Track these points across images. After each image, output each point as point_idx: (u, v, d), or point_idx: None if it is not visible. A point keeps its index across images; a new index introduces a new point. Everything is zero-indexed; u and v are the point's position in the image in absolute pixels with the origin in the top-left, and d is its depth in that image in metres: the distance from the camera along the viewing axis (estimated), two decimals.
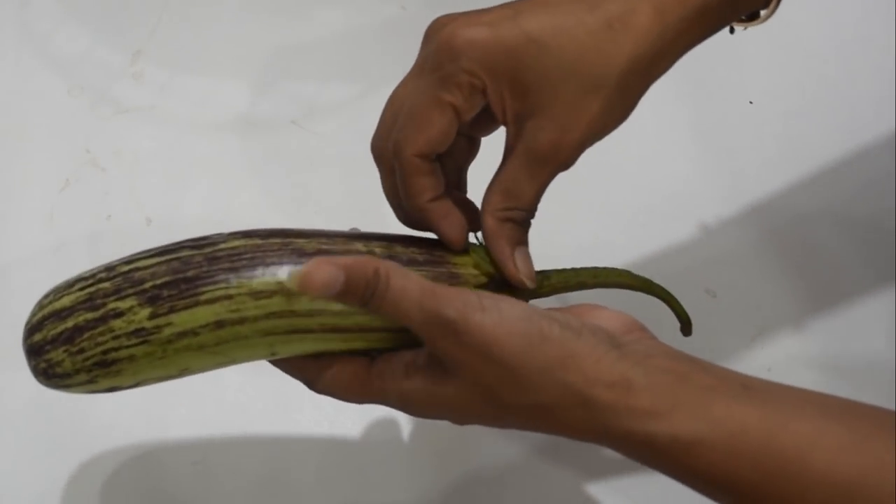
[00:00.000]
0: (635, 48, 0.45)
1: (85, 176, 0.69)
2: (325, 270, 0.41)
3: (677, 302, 0.49)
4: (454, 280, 0.46)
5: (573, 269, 0.49)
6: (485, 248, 0.47)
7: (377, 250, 0.45)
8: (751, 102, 0.64)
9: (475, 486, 0.58)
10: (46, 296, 0.45)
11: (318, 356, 0.45)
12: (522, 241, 0.47)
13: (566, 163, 0.46)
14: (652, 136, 0.70)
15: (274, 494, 0.57)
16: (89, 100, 0.72)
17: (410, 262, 0.45)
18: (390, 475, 0.58)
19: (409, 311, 0.41)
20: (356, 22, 0.77)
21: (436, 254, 0.46)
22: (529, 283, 0.47)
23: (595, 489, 0.58)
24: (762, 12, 0.50)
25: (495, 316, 0.41)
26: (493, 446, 0.59)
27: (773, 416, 0.39)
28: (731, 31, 0.52)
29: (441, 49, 0.46)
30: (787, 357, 0.62)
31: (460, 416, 0.44)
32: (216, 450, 0.57)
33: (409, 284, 0.41)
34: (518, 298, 0.44)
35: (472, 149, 0.49)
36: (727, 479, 0.39)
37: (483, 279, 0.46)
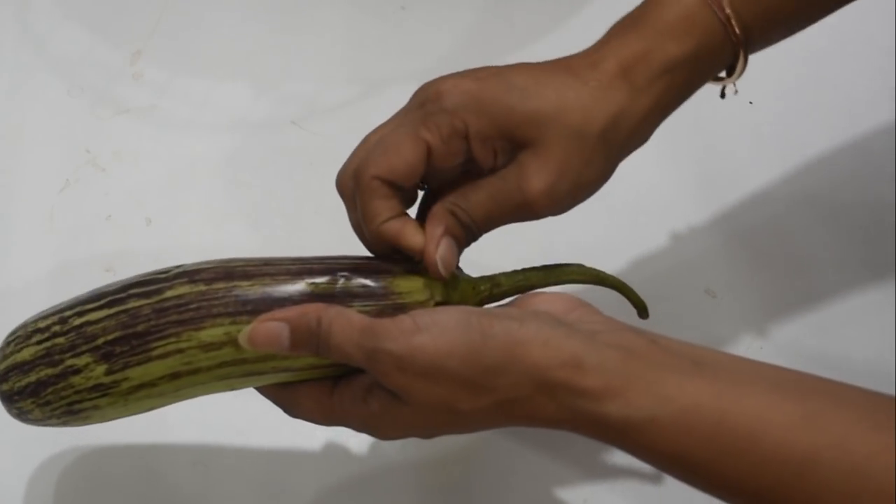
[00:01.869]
0: (611, 105, 0.46)
1: (85, 176, 0.69)
2: (270, 329, 0.43)
3: (631, 290, 0.49)
4: (399, 312, 0.44)
5: (523, 272, 0.48)
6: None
7: (322, 284, 0.45)
8: (751, 102, 0.64)
9: (476, 486, 0.58)
10: (8, 343, 0.46)
11: (283, 385, 0.46)
12: (457, 237, 0.47)
13: (536, 210, 0.46)
14: (652, 136, 0.70)
15: (274, 494, 0.57)
16: (89, 100, 0.72)
17: (355, 297, 0.45)
18: (391, 475, 0.58)
19: (352, 354, 0.42)
20: (356, 22, 0.77)
21: (382, 282, 0.46)
22: (443, 271, 0.46)
23: (594, 489, 0.58)
24: (737, 66, 0.51)
25: (434, 332, 0.41)
26: (494, 448, 0.59)
27: (725, 393, 0.39)
28: (722, 95, 0.53)
29: (428, 95, 0.47)
30: (787, 357, 0.62)
31: (424, 432, 0.45)
32: (216, 450, 0.57)
33: (349, 329, 0.42)
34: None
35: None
36: (681, 457, 0.40)
37: (431, 305, 0.46)
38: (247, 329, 0.43)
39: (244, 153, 0.70)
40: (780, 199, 0.68)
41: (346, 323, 0.42)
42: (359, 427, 0.45)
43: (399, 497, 0.57)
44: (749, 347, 0.62)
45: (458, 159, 0.46)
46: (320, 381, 0.45)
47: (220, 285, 0.44)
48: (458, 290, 0.47)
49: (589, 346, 0.41)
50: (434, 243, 0.46)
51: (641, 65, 0.47)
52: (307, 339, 0.43)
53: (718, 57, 0.49)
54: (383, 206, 0.46)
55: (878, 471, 0.36)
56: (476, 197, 0.46)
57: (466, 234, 0.47)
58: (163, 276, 0.45)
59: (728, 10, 0.48)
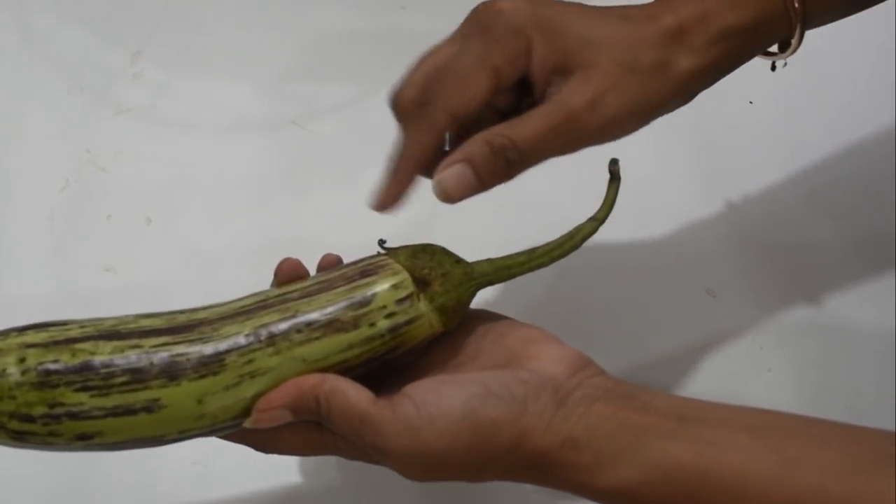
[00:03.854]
0: (662, 54, 0.47)
1: (85, 176, 0.69)
2: (274, 416, 0.43)
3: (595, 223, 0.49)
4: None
5: (506, 266, 0.48)
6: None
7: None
8: (751, 102, 0.64)
9: (475, 485, 0.58)
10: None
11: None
12: (475, 165, 0.46)
13: (581, 121, 0.46)
14: (652, 136, 0.70)
15: (274, 494, 0.57)
16: (89, 100, 0.72)
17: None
18: (391, 474, 0.58)
19: (354, 440, 0.43)
20: (356, 22, 0.77)
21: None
22: (439, 194, 0.46)
23: None
24: (792, 41, 0.52)
25: (440, 426, 0.41)
26: None
27: (706, 451, 0.40)
28: (773, 68, 0.54)
29: (487, 13, 0.47)
30: (787, 357, 0.62)
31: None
32: (216, 450, 0.57)
33: (349, 413, 0.42)
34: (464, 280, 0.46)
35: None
36: None
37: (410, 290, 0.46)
38: (252, 417, 0.43)
39: (244, 153, 0.70)
40: (780, 198, 0.68)
41: (345, 405, 0.42)
42: (349, 458, 0.46)
43: (399, 496, 0.57)
44: (749, 347, 0.62)
45: (517, 77, 0.47)
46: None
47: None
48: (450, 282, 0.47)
49: (583, 424, 0.42)
50: (445, 165, 0.46)
51: (699, 26, 0.48)
52: (310, 415, 0.43)
53: (775, 30, 0.50)
54: (429, 146, 0.47)
55: None
56: (521, 121, 0.46)
57: (504, 163, 0.46)
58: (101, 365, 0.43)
59: None
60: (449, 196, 0.46)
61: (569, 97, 0.46)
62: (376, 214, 0.53)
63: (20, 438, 0.42)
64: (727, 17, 0.48)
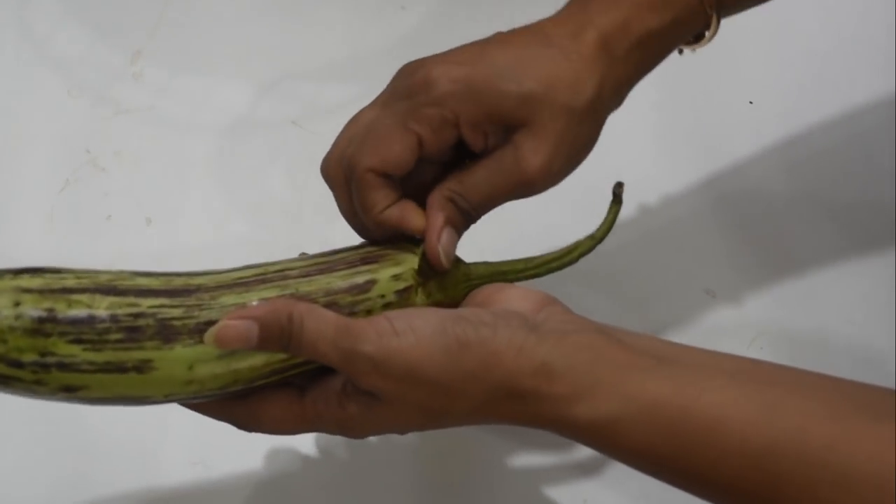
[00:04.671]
0: (594, 77, 0.48)
1: (85, 176, 0.69)
2: (239, 326, 0.42)
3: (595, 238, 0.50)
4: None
5: (502, 272, 0.49)
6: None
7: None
8: (751, 102, 0.64)
9: (475, 485, 0.58)
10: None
11: (243, 396, 0.45)
12: (456, 225, 0.48)
13: (534, 185, 0.48)
14: (652, 136, 0.70)
15: (274, 494, 0.57)
16: (89, 100, 0.72)
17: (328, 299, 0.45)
18: (391, 473, 0.58)
19: (327, 353, 0.42)
20: (356, 22, 0.77)
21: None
22: (445, 261, 0.47)
23: (594, 489, 0.58)
24: (706, 33, 0.52)
25: (411, 338, 0.42)
26: (494, 446, 0.59)
27: (685, 389, 0.40)
28: (680, 52, 0.54)
29: (415, 82, 0.47)
30: (787, 357, 0.62)
31: (401, 430, 0.45)
32: (216, 450, 0.57)
33: (323, 326, 0.42)
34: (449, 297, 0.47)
35: (442, 175, 0.49)
36: (646, 453, 0.41)
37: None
38: (215, 327, 0.42)
39: (244, 153, 0.70)
40: (780, 198, 0.68)
41: (319, 319, 0.42)
42: (333, 430, 0.45)
43: (399, 496, 0.57)
44: (749, 347, 0.62)
45: (449, 145, 0.47)
46: (284, 388, 0.45)
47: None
48: (452, 280, 0.48)
49: (558, 353, 0.42)
50: (436, 235, 0.47)
51: (620, 35, 0.48)
52: (278, 336, 0.42)
53: (692, 26, 0.51)
54: (380, 196, 0.47)
55: (835, 461, 0.37)
56: (473, 181, 0.47)
57: (465, 218, 0.48)
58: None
59: None
60: (452, 256, 0.48)
61: (521, 161, 0.47)
62: None
63: (4, 382, 0.41)
64: (647, 21, 0.49)
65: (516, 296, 0.46)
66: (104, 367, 0.42)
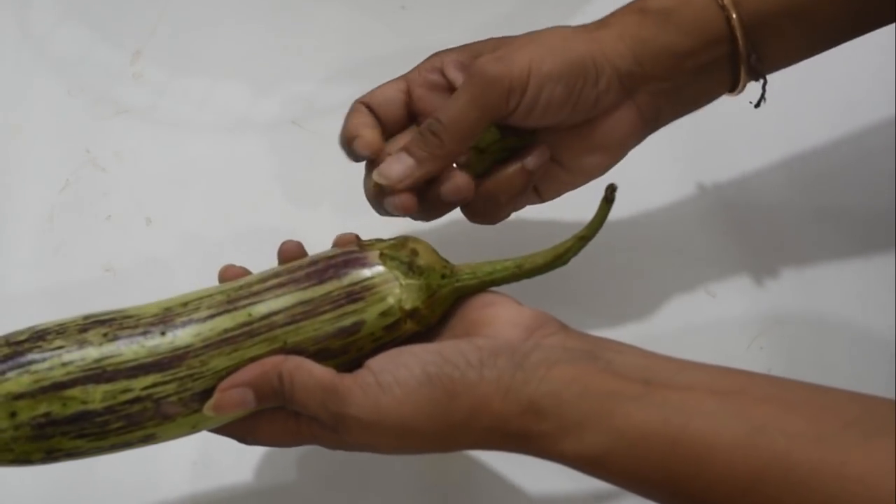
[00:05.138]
0: (594, 44, 0.51)
1: (85, 176, 0.69)
2: (235, 395, 0.44)
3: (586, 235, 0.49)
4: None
5: (492, 281, 0.48)
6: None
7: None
8: (751, 102, 0.64)
9: (476, 486, 0.58)
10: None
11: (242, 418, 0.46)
12: (410, 150, 0.50)
13: (491, 77, 0.49)
14: (652, 136, 0.70)
15: (274, 494, 0.57)
16: (89, 100, 0.72)
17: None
18: (391, 474, 0.58)
19: (318, 414, 0.43)
20: (356, 22, 0.77)
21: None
22: (376, 177, 0.49)
23: (594, 488, 0.58)
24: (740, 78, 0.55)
25: (397, 393, 0.42)
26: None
27: (673, 419, 0.40)
28: (757, 104, 0.57)
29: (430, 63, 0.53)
30: (787, 358, 0.62)
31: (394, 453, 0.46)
32: (216, 450, 0.57)
33: (311, 386, 0.43)
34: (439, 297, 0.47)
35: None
36: (636, 481, 0.41)
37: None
38: (212, 400, 0.44)
39: (244, 153, 0.70)
40: (780, 198, 0.68)
41: (307, 379, 0.43)
42: (329, 445, 0.46)
43: (399, 496, 0.57)
44: (749, 347, 0.62)
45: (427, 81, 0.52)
46: (279, 409, 0.45)
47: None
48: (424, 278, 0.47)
49: (545, 389, 0.42)
50: (384, 154, 0.51)
51: (642, 44, 0.51)
52: (272, 396, 0.44)
53: (719, 59, 0.52)
54: (358, 121, 0.51)
55: (821, 484, 0.37)
56: (444, 101, 0.50)
57: (434, 140, 0.49)
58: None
59: (733, 13, 0.50)
60: (389, 178, 0.49)
61: (477, 64, 0.49)
62: (375, 214, 0.54)
63: (18, 464, 0.43)
64: (671, 39, 0.52)
65: (505, 318, 0.45)
66: (111, 449, 0.44)
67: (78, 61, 0.74)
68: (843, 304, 0.64)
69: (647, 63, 0.51)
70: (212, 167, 0.69)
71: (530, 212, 0.56)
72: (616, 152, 0.54)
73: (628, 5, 0.53)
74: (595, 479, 0.42)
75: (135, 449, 0.45)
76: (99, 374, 0.43)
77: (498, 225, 0.54)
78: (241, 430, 0.46)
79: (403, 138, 0.51)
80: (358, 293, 0.46)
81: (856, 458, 0.37)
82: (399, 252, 0.47)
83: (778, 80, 0.57)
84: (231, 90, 0.73)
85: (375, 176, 0.49)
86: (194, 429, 0.45)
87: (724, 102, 0.56)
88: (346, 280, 0.46)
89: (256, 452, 0.58)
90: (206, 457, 0.58)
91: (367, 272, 0.46)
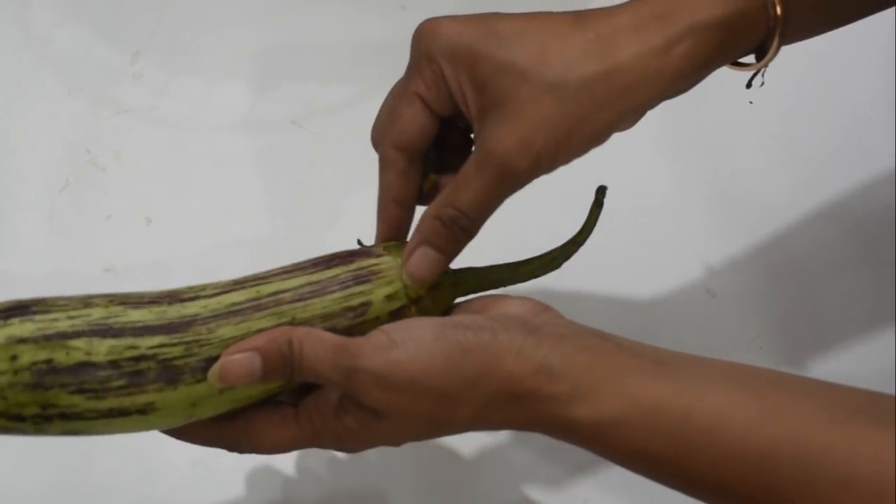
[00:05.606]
0: (606, 59, 0.43)
1: (85, 176, 0.69)
2: (241, 360, 0.42)
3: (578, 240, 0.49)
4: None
5: (491, 282, 0.49)
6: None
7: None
8: (751, 102, 0.64)
9: (476, 486, 0.58)
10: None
11: (232, 417, 0.44)
12: (434, 244, 0.46)
13: (515, 168, 0.44)
14: (651, 136, 0.70)
15: (274, 494, 0.57)
16: (89, 100, 0.72)
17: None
18: (391, 475, 0.58)
19: (328, 376, 0.42)
20: (356, 22, 0.77)
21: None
22: (410, 282, 0.46)
23: (594, 489, 0.58)
24: (770, 48, 0.47)
25: (412, 348, 0.41)
26: (494, 448, 0.59)
27: (686, 392, 0.40)
28: (748, 85, 0.49)
29: (414, 41, 0.46)
30: (787, 358, 0.62)
31: (400, 442, 0.44)
32: (216, 450, 0.57)
33: (322, 348, 0.42)
34: (438, 304, 0.46)
35: None
36: (646, 454, 0.40)
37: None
38: (216, 366, 0.42)
39: (244, 153, 0.70)
40: (780, 198, 0.68)
41: (317, 342, 0.42)
42: (330, 445, 0.44)
43: (399, 496, 0.57)
44: (749, 347, 0.62)
45: (446, 101, 0.46)
46: (277, 405, 0.44)
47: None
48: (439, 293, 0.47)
49: (557, 353, 0.41)
50: (407, 253, 0.46)
51: (662, 23, 0.43)
52: (280, 365, 0.42)
53: (750, 32, 0.46)
54: (395, 181, 0.47)
55: (834, 463, 0.37)
56: (457, 184, 0.45)
57: (457, 231, 0.45)
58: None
59: None
60: (423, 280, 0.46)
61: (494, 145, 0.43)
62: (375, 213, 0.53)
63: (5, 430, 0.41)
64: (697, 12, 0.44)
65: (512, 303, 0.46)
66: (107, 414, 0.42)
67: (78, 61, 0.74)
68: (843, 304, 0.64)
69: (681, 86, 0.46)
70: (212, 167, 0.69)
71: (524, 217, 0.56)
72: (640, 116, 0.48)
73: None
74: (601, 456, 0.42)
75: (128, 430, 0.43)
76: (105, 329, 0.41)
77: (492, 231, 0.53)
78: (235, 435, 0.44)
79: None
80: (365, 276, 0.46)
81: (867, 440, 0.37)
82: (402, 248, 0.47)
83: (778, 79, 0.57)
84: (231, 90, 0.73)
85: (406, 279, 0.46)
86: (194, 407, 0.43)
87: (725, 103, 0.56)
88: (353, 265, 0.46)
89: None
90: (206, 457, 0.57)
91: (374, 259, 0.47)
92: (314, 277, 0.46)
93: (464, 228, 0.46)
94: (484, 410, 0.42)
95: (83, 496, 0.56)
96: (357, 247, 0.48)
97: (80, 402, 0.41)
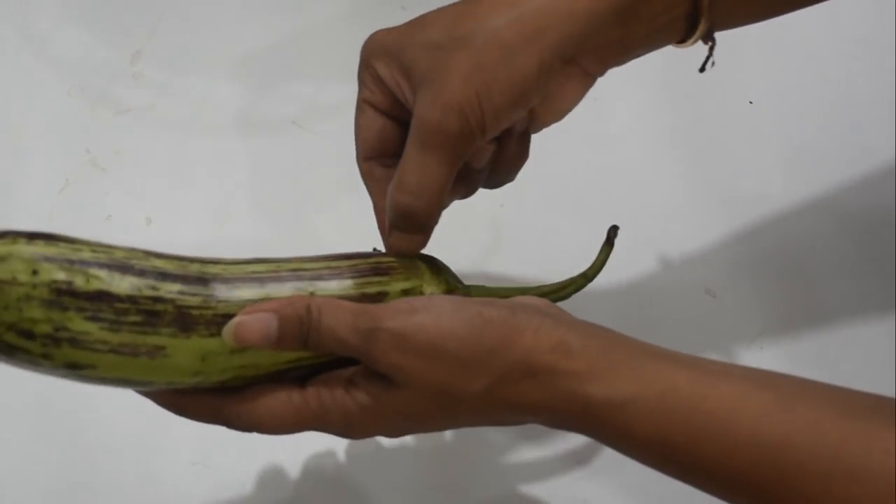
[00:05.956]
0: (515, 7, 0.43)
1: (85, 176, 0.69)
2: (258, 319, 0.41)
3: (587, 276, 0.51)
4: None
5: (498, 289, 0.49)
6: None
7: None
8: (751, 102, 0.64)
9: (475, 485, 0.58)
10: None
11: (237, 390, 0.43)
12: (400, 227, 0.46)
13: (445, 130, 0.44)
14: (651, 136, 0.70)
15: (274, 494, 0.57)
16: (89, 100, 0.72)
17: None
18: (391, 474, 0.58)
19: (346, 339, 0.41)
20: (356, 22, 0.77)
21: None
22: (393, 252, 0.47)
23: (594, 488, 0.58)
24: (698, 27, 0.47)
25: (434, 313, 0.41)
26: (494, 446, 0.59)
27: (701, 378, 0.40)
28: (702, 69, 0.49)
29: (361, 53, 0.48)
30: (787, 358, 0.62)
31: (407, 424, 0.43)
32: (216, 450, 0.57)
33: (341, 312, 0.41)
34: None
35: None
36: (658, 440, 0.40)
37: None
38: (232, 322, 0.41)
39: (244, 153, 0.70)
40: (779, 198, 0.68)
41: (337, 308, 0.41)
42: (337, 424, 0.43)
43: (399, 496, 0.57)
44: (749, 347, 0.62)
45: (395, 102, 0.47)
46: (282, 383, 0.43)
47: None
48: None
49: (575, 333, 0.42)
50: (384, 240, 0.48)
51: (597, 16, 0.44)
52: (297, 329, 0.41)
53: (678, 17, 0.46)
54: (377, 191, 0.48)
55: (849, 454, 0.37)
56: (401, 166, 0.45)
57: (418, 213, 0.46)
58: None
59: None
60: (398, 250, 0.47)
61: (421, 114, 0.44)
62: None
63: (9, 353, 0.39)
64: None
65: (526, 298, 0.47)
66: (117, 349, 0.40)
67: (78, 61, 0.74)
68: (843, 304, 0.64)
69: (601, 32, 0.45)
70: (212, 167, 0.69)
71: (533, 251, 0.56)
72: (567, 111, 0.49)
73: None
74: (611, 442, 0.42)
75: (131, 377, 0.41)
76: (128, 267, 0.41)
77: (503, 261, 0.54)
78: (238, 410, 0.43)
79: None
80: (384, 270, 0.46)
81: (881, 436, 0.37)
82: (414, 265, 0.48)
83: (778, 79, 0.57)
84: (231, 90, 0.73)
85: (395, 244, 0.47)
86: (202, 362, 0.41)
87: (724, 102, 0.56)
88: (371, 259, 0.47)
89: (256, 453, 0.58)
90: (206, 457, 0.58)
91: (391, 258, 0.47)
92: (333, 263, 0.46)
93: (419, 209, 0.46)
94: (497, 385, 0.41)
95: (83, 496, 0.56)
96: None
97: (93, 331, 0.40)
